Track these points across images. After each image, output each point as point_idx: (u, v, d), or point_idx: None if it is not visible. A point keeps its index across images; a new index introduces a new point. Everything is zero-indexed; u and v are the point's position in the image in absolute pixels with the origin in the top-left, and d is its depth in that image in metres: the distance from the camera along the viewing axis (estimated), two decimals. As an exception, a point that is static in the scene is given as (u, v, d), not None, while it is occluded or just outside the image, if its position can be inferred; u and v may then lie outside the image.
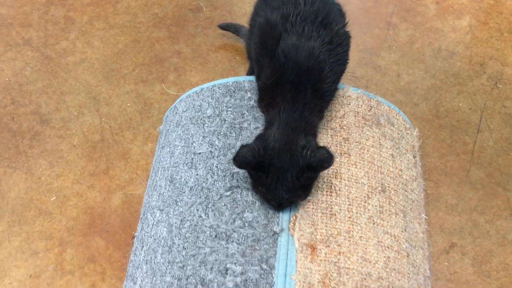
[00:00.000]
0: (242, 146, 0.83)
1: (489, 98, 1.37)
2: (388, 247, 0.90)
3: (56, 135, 1.30)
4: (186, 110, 1.11)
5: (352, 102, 1.06)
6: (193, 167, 0.98)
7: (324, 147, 0.83)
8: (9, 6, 1.55)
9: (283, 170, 0.83)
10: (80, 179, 1.24)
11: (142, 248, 0.97)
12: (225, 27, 1.46)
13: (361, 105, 1.07)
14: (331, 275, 0.83)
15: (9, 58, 1.44)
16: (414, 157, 1.12)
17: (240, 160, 0.82)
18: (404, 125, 1.12)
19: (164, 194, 1.00)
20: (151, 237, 0.96)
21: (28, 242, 1.15)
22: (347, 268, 0.84)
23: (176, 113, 1.14)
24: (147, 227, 1.00)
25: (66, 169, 1.25)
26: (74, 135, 1.31)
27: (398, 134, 1.09)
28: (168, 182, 1.01)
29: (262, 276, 0.82)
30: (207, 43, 1.49)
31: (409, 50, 1.46)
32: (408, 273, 0.91)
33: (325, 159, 0.81)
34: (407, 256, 0.93)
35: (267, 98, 0.94)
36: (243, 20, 1.54)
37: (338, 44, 0.95)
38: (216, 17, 1.54)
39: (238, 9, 1.55)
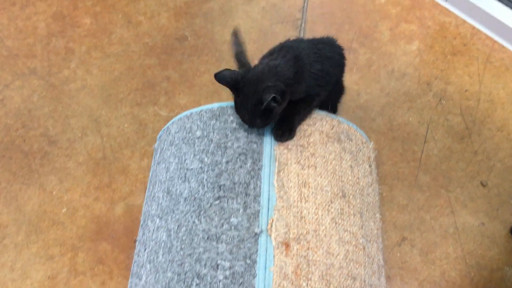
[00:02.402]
0: (226, 69, 1.06)
1: (434, 113, 1.56)
2: (347, 242, 1.05)
3: (64, 154, 1.46)
4: (178, 131, 1.24)
5: (318, 122, 1.21)
6: (186, 181, 1.11)
7: (274, 92, 1.00)
8: (14, 38, 1.68)
9: (247, 98, 1.04)
10: (86, 193, 1.40)
11: (145, 250, 1.10)
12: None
13: (325, 125, 1.21)
14: (302, 267, 0.97)
15: (17, 87, 1.58)
16: (370, 166, 1.28)
17: (219, 77, 1.05)
18: (361, 139, 1.28)
19: (162, 204, 1.13)
20: (152, 241, 1.09)
21: (45, 249, 1.31)
22: (315, 260, 0.99)
23: (169, 134, 1.27)
24: (148, 232, 1.12)
25: (74, 184, 1.41)
26: (80, 153, 1.46)
27: (356, 147, 1.26)
28: (165, 194, 1.14)
29: (247, 269, 0.96)
30: (193, 68, 1.63)
31: (367, 71, 1.64)
32: (364, 263, 1.06)
33: (267, 94, 1.00)
34: (363, 249, 1.08)
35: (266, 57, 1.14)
36: (224, 47, 1.70)
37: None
38: (200, 45, 1.69)
39: (219, 38, 1.71)
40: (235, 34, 1.23)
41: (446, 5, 1.82)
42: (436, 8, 1.80)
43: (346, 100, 1.57)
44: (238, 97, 1.06)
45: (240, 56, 1.53)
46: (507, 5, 1.73)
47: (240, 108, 1.07)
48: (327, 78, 1.20)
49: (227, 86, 1.07)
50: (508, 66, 1.66)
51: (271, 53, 1.13)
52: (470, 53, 1.69)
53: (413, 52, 1.69)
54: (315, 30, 1.73)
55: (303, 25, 1.76)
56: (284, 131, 1.12)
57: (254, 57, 1.64)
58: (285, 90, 1.06)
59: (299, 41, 1.21)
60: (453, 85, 1.62)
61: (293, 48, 1.12)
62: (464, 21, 1.77)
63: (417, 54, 1.68)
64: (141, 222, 1.18)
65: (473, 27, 1.75)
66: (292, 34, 1.73)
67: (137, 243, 1.17)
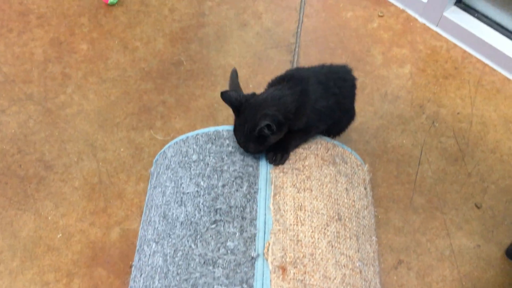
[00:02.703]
0: (232, 90, 1.11)
1: (428, 135, 1.59)
2: (344, 265, 1.06)
3: (59, 179, 1.46)
4: (175, 155, 1.25)
5: (313, 145, 1.23)
6: (183, 205, 1.12)
7: (269, 120, 1.04)
8: (11, 64, 1.70)
9: (245, 121, 1.07)
10: (82, 218, 1.40)
11: (141, 275, 1.09)
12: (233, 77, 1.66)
13: (320, 148, 1.23)
14: None
15: (14, 112, 1.59)
16: (365, 188, 1.29)
17: (225, 96, 1.09)
18: (356, 162, 1.30)
19: (159, 228, 1.13)
20: (148, 266, 1.08)
21: (40, 275, 1.30)
22: (312, 284, 0.98)
23: (165, 158, 1.28)
24: (145, 257, 1.12)
25: (69, 209, 1.41)
26: (75, 178, 1.47)
27: (351, 170, 1.27)
28: (162, 218, 1.14)
29: None
30: (188, 93, 1.66)
31: (361, 95, 1.67)
32: (361, 287, 1.06)
33: (260, 121, 1.03)
34: (360, 273, 1.08)
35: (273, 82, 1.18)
36: (219, 71, 1.73)
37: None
38: (195, 70, 1.72)
39: (214, 62, 1.74)
40: (233, 74, 1.26)
41: (437, 30, 1.86)
42: (427, 32, 1.84)
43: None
44: (238, 119, 1.10)
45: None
46: (496, 29, 1.77)
47: (237, 130, 1.10)
48: (330, 114, 1.22)
49: (230, 106, 1.10)
50: (499, 88, 1.69)
51: (280, 80, 1.16)
52: (461, 76, 1.72)
53: (406, 75, 1.72)
54: (308, 55, 1.76)
55: (297, 49, 1.79)
56: (277, 154, 1.14)
57: (249, 81, 1.68)
58: (283, 122, 1.09)
59: (311, 71, 1.22)
60: (446, 107, 1.64)
61: (302, 81, 1.14)
62: (455, 45, 1.81)
63: (409, 78, 1.71)
64: (137, 247, 1.18)
65: (464, 51, 1.79)
66: (286, 59, 1.75)
67: (133, 268, 1.17)
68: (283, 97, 1.09)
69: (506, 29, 1.77)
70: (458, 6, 1.83)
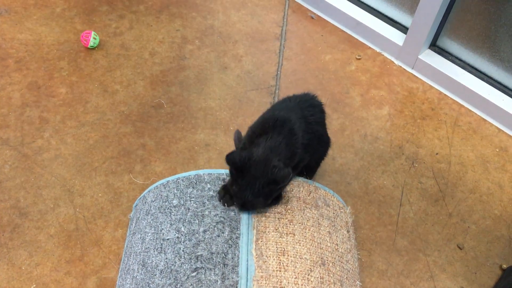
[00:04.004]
0: (234, 151, 1.10)
1: (408, 176, 1.60)
2: None
3: (34, 227, 1.41)
4: (155, 200, 1.24)
5: (295, 188, 1.23)
6: (163, 252, 1.09)
7: (288, 169, 1.08)
8: (-13, 108, 1.68)
9: (255, 178, 1.06)
10: (57, 267, 1.34)
11: None
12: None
13: (302, 191, 1.23)
14: None
15: (-12, 157, 1.56)
16: (348, 231, 1.29)
17: (230, 158, 1.07)
18: (338, 204, 1.30)
19: (137, 277, 1.10)
20: None
21: (11, 329, 1.24)
22: None
23: (145, 202, 1.27)
24: None
25: (44, 257, 1.36)
26: (51, 225, 1.42)
27: (333, 213, 1.27)
28: (141, 266, 1.11)
29: None
30: (168, 135, 1.65)
31: (341, 136, 1.69)
32: None
33: (285, 176, 1.06)
34: None
35: (255, 136, 1.17)
36: (200, 114, 1.73)
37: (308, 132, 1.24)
38: (175, 112, 1.72)
39: (195, 105, 1.74)
40: (237, 134, 1.29)
41: (413, 72, 1.91)
42: (403, 74, 1.89)
43: (322, 165, 1.59)
44: (243, 179, 1.08)
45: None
46: (470, 71, 1.83)
47: (244, 189, 1.08)
48: (315, 145, 1.27)
49: (235, 167, 1.09)
50: (476, 129, 1.72)
51: (264, 126, 1.18)
52: (438, 117, 1.75)
53: (384, 116, 1.74)
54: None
55: (277, 91, 1.81)
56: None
57: (229, 123, 1.68)
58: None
59: (287, 107, 1.26)
60: (424, 148, 1.67)
61: (286, 122, 1.17)
62: (431, 87, 1.85)
63: (388, 119, 1.74)
64: (115, 297, 1.15)
65: (440, 92, 1.83)
66: (266, 101, 1.77)
67: (110, 320, 1.12)
68: (279, 145, 1.12)
69: (480, 71, 1.82)
70: (432, 49, 1.89)
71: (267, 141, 1.13)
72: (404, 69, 1.91)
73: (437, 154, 1.65)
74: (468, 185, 1.58)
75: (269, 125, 1.17)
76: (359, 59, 1.94)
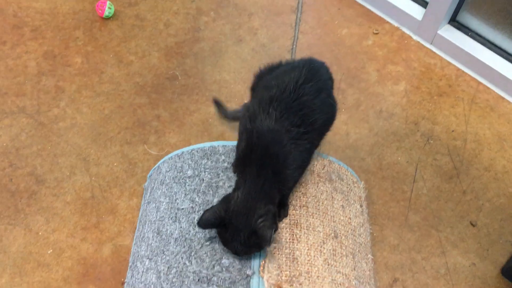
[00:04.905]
0: (205, 211, 0.97)
1: (423, 153, 1.59)
2: (340, 284, 1.04)
3: (51, 194, 1.44)
4: (169, 170, 1.25)
5: None
6: (177, 221, 1.11)
7: (271, 231, 0.93)
8: (3, 77, 1.68)
9: (238, 230, 0.95)
10: (73, 233, 1.37)
11: None
12: (217, 104, 1.54)
13: (316, 165, 1.23)
14: None
15: (5, 125, 1.57)
16: (361, 206, 1.29)
17: (203, 223, 0.96)
18: (352, 179, 1.30)
19: (152, 244, 1.11)
20: (141, 283, 1.06)
21: (29, 292, 1.27)
22: None
23: (160, 173, 1.28)
24: (137, 274, 1.10)
25: (60, 224, 1.38)
26: (67, 193, 1.44)
27: (347, 187, 1.27)
28: (155, 234, 1.13)
29: None
30: (183, 107, 1.65)
31: (355, 111, 1.67)
32: None
33: (265, 239, 0.92)
34: None
35: (240, 165, 1.06)
36: (214, 87, 1.73)
37: (305, 140, 1.05)
38: (190, 84, 1.71)
39: (209, 78, 1.74)
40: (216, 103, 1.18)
41: (431, 47, 1.87)
42: (421, 50, 1.86)
43: (335, 140, 1.59)
44: (226, 232, 0.97)
45: (225, 112, 1.54)
46: (490, 48, 1.79)
47: (230, 241, 0.97)
48: (312, 148, 1.12)
49: (214, 227, 1.00)
50: (493, 107, 1.70)
51: (245, 158, 1.03)
52: (455, 94, 1.73)
53: (400, 92, 1.72)
54: (304, 71, 1.76)
55: (292, 65, 1.79)
56: (280, 212, 1.10)
57: (244, 96, 1.68)
58: (275, 211, 1.02)
59: (271, 114, 1.03)
60: (440, 125, 1.65)
61: (269, 147, 1.01)
62: (449, 63, 1.82)
63: (404, 95, 1.72)
64: (130, 263, 1.17)
65: (458, 69, 1.80)
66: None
67: (125, 285, 1.15)
68: (262, 187, 0.98)
69: (500, 48, 1.79)
70: (452, 24, 1.85)
71: (249, 186, 0.98)
72: (422, 44, 1.88)
73: (453, 131, 1.63)
74: (484, 162, 1.56)
75: (249, 154, 1.02)
76: (377, 33, 1.91)
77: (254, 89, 1.26)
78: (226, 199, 0.99)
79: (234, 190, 1.01)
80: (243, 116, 1.10)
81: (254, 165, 1.00)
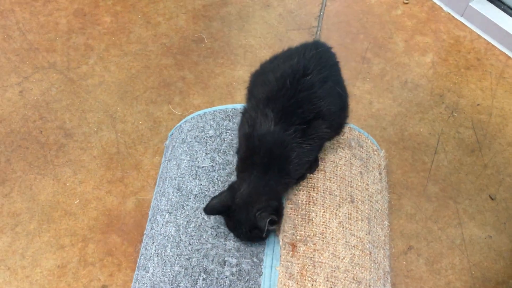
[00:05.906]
0: (212, 198, 0.98)
1: (446, 125, 1.58)
2: (354, 246, 1.06)
3: (79, 147, 1.49)
4: (191, 130, 1.27)
5: None
6: (197, 178, 1.14)
7: (266, 220, 0.92)
8: (35, 33, 1.72)
9: (240, 222, 0.97)
10: (99, 186, 1.42)
11: (153, 243, 1.11)
12: None
13: None
14: (307, 268, 0.99)
15: (37, 79, 1.62)
16: (380, 173, 1.29)
17: (209, 210, 0.98)
18: (372, 147, 1.30)
19: (172, 199, 1.15)
20: (161, 235, 1.10)
21: (56, 238, 1.33)
22: (320, 262, 1.00)
23: (181, 132, 1.30)
24: (157, 226, 1.14)
25: (87, 176, 1.44)
26: (94, 147, 1.49)
27: (366, 155, 1.27)
28: (176, 190, 1.16)
29: (253, 267, 0.98)
30: (207, 70, 1.67)
31: (380, 81, 1.66)
32: (370, 268, 1.07)
33: (260, 229, 0.94)
34: (370, 254, 1.09)
35: (243, 165, 1.02)
36: (239, 51, 1.74)
37: (311, 138, 1.01)
38: (216, 47, 1.72)
39: (235, 41, 1.74)
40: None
41: (462, 20, 1.83)
42: (451, 22, 1.82)
43: (357, 109, 1.59)
44: (230, 221, 1.00)
45: None
46: (522, 22, 1.75)
47: (234, 231, 1.01)
48: (319, 147, 1.10)
49: (220, 214, 1.02)
50: (521, 82, 1.67)
51: (250, 152, 1.00)
52: (483, 68, 1.70)
53: (427, 64, 1.70)
54: (330, 39, 1.75)
55: (318, 33, 1.78)
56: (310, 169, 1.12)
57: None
58: (279, 206, 1.00)
59: (272, 129, 0.99)
60: (466, 98, 1.63)
61: (274, 146, 0.98)
62: (479, 36, 1.78)
63: (431, 66, 1.70)
64: (150, 217, 1.21)
65: (488, 43, 1.77)
66: (307, 40, 1.75)
67: (144, 236, 1.19)
68: (266, 184, 0.98)
69: (533, 22, 1.74)
70: (485, -4, 1.81)
71: (254, 181, 0.98)
72: (453, 16, 1.84)
73: (478, 105, 1.61)
74: (507, 138, 1.55)
75: (256, 158, 0.99)
76: (407, 3, 1.87)
77: (250, 90, 1.15)
78: (232, 188, 0.99)
79: (240, 181, 1.00)
80: (241, 120, 1.08)
81: (258, 166, 0.99)
